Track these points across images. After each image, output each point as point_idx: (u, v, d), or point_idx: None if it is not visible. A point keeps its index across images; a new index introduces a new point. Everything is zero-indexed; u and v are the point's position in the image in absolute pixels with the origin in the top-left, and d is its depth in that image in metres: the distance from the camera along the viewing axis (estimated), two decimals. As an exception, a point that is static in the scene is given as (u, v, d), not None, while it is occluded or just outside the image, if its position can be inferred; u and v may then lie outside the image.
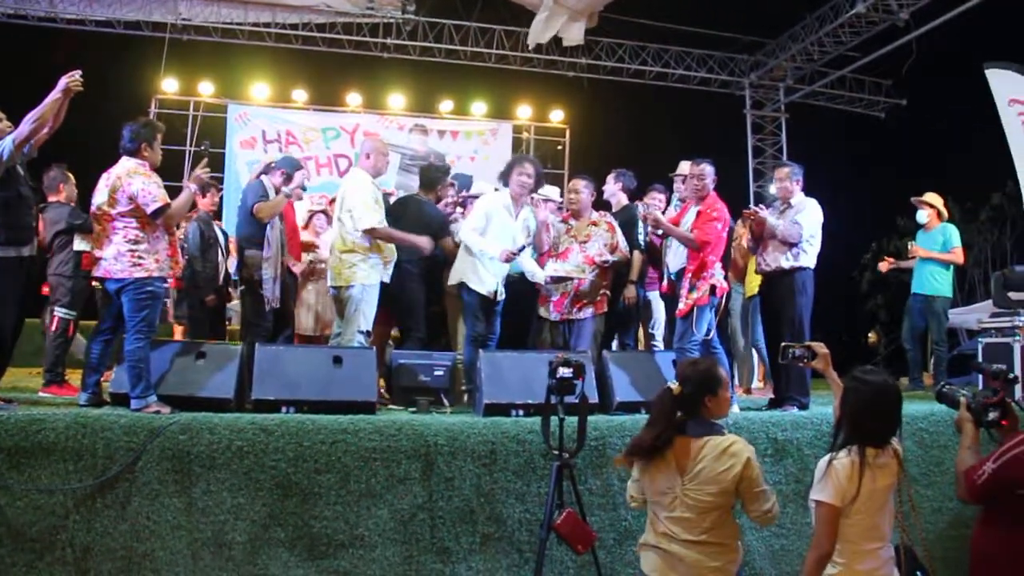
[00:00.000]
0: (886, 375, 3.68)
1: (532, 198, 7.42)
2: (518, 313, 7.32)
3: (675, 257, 6.52)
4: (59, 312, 6.87)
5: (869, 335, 22.03)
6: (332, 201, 8.56)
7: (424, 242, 6.71)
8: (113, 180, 5.55)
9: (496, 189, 7.50)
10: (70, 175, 7.18)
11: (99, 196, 5.62)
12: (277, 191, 7.11)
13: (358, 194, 6.58)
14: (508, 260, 6.59)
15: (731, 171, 14.05)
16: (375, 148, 6.87)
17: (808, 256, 6.55)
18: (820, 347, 4.22)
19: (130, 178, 5.51)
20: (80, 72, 5.49)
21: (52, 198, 7.07)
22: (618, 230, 7.12)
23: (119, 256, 5.52)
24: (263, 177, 7.22)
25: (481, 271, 6.68)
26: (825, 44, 13.13)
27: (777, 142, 14.98)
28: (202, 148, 6.40)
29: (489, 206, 6.77)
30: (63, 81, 5.42)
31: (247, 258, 6.95)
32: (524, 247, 6.68)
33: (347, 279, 6.52)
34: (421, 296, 7.07)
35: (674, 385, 3.73)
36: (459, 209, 7.92)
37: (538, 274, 6.93)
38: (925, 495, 6.09)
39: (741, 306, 8.44)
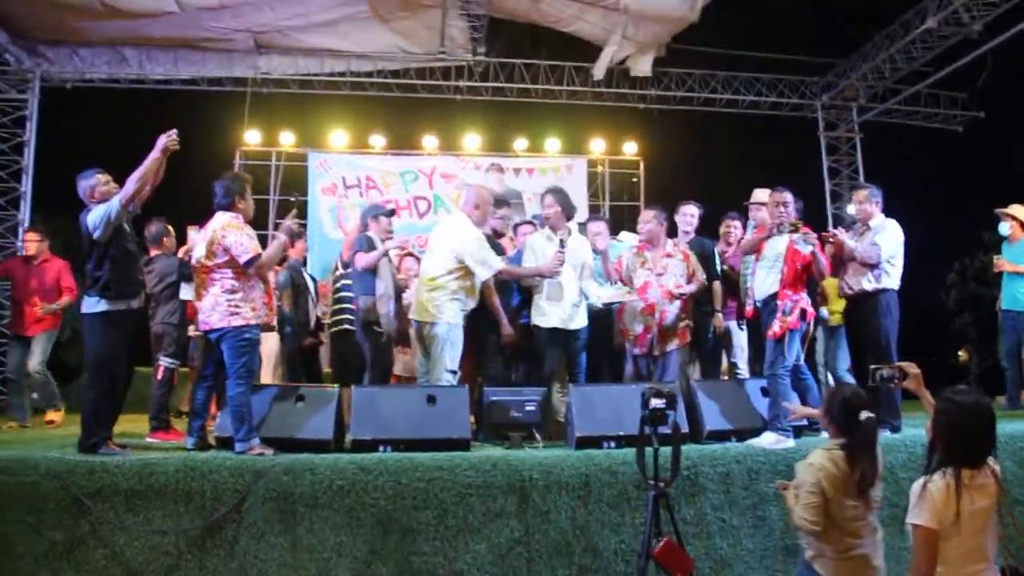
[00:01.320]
0: (978, 394, 3.64)
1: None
2: (596, 346, 7.44)
3: (762, 283, 6.46)
4: (164, 361, 7.16)
5: (959, 353, 21.43)
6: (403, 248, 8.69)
7: (546, 269, 6.82)
8: (210, 234, 5.83)
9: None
10: (170, 228, 7.51)
11: (198, 250, 5.93)
12: (382, 238, 7.31)
13: (472, 240, 6.74)
14: (549, 275, 6.80)
15: (807, 193, 13.93)
16: (484, 200, 6.98)
17: (891, 277, 6.50)
18: (911, 367, 4.18)
19: (224, 231, 5.80)
20: (176, 131, 5.82)
21: (155, 251, 7.39)
22: (694, 258, 7.16)
23: (216, 306, 5.79)
24: (369, 232, 7.37)
25: (544, 306, 6.91)
26: (897, 61, 12.90)
27: (852, 162, 14.75)
28: (292, 199, 6.67)
29: (531, 245, 7.08)
30: (161, 141, 5.75)
31: (363, 303, 7.12)
32: (561, 260, 6.79)
33: (432, 316, 6.66)
34: (491, 334, 7.17)
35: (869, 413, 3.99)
36: None
37: (592, 299, 7.13)
38: (1028, 516, 5.99)
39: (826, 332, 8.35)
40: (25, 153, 12.68)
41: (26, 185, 12.64)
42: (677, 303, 6.97)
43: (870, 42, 13.24)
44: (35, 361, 8.32)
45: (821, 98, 14.58)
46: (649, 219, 7.19)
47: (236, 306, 5.81)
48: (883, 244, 6.46)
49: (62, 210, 10.28)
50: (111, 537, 5.11)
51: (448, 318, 6.66)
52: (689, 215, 7.72)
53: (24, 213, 12.57)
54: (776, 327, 6.17)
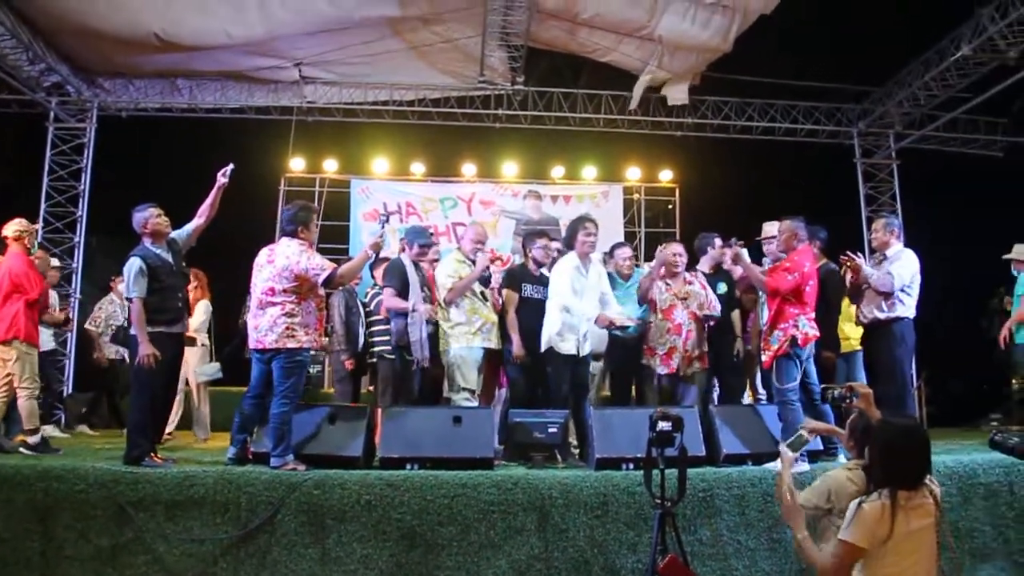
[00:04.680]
0: (913, 418, 3.77)
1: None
2: (624, 368, 7.70)
3: (762, 313, 6.71)
4: None
5: (1013, 381, 20.92)
6: None
7: (477, 272, 7.26)
8: (283, 261, 6.14)
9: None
10: None
11: (264, 272, 6.24)
12: (415, 264, 7.33)
13: (440, 272, 7.35)
14: (610, 326, 7.00)
15: (844, 221, 13.95)
16: (471, 236, 7.53)
17: (905, 306, 6.60)
18: (861, 387, 4.37)
19: (298, 257, 6.12)
20: (232, 167, 6.38)
21: None
22: (708, 288, 7.41)
23: (274, 327, 6.09)
24: (402, 255, 7.42)
25: (563, 332, 6.99)
26: (933, 88, 12.82)
27: (890, 189, 14.66)
28: (383, 220, 6.97)
29: (564, 272, 7.07)
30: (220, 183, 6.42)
31: (395, 326, 7.24)
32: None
33: (443, 343, 7.20)
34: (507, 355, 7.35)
35: None
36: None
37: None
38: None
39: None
40: (82, 179, 13.23)
41: (82, 209, 13.18)
42: (696, 327, 7.20)
43: (906, 69, 13.22)
44: None
45: (858, 125, 14.60)
46: (683, 251, 7.53)
47: (293, 329, 6.11)
48: (897, 273, 6.57)
49: (114, 233, 10.79)
50: (152, 544, 5.42)
51: (452, 342, 7.13)
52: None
53: (80, 236, 13.10)
54: (763, 357, 6.38)
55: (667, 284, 7.40)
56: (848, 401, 4.40)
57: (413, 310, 7.03)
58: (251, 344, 6.26)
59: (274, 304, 6.12)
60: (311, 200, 14.15)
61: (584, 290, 7.05)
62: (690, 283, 7.41)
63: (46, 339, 9.38)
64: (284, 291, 6.11)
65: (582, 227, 7.16)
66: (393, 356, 7.25)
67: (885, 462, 3.63)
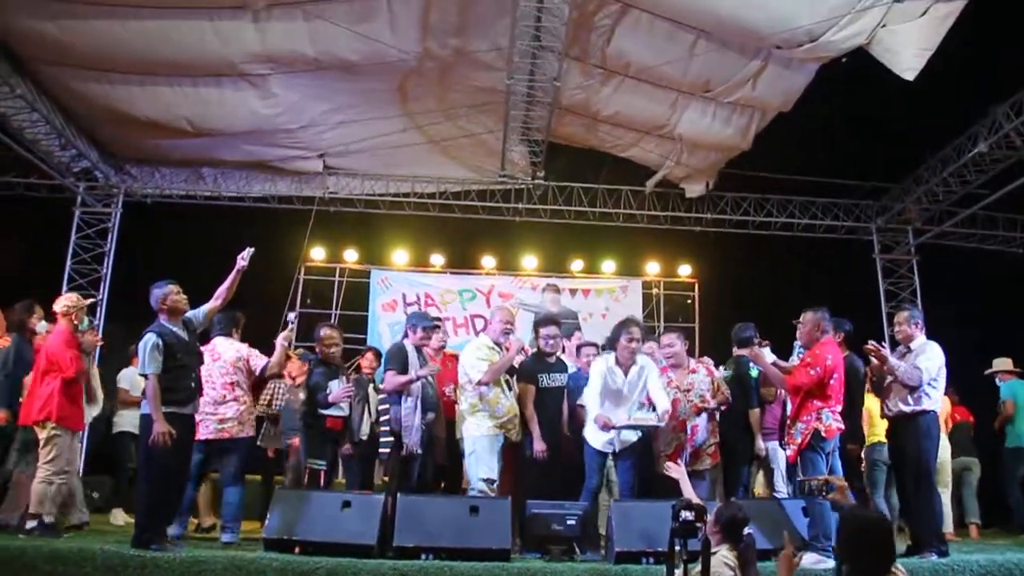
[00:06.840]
0: (875, 511, 3.86)
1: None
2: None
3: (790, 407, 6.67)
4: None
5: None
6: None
7: (510, 356, 7.20)
8: (227, 353, 7.18)
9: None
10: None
11: (214, 368, 7.14)
12: (418, 349, 7.29)
13: (469, 350, 7.29)
14: (605, 428, 6.79)
15: (865, 317, 13.85)
16: (499, 319, 7.44)
17: (931, 399, 6.51)
18: (838, 479, 4.54)
19: (247, 352, 7.19)
20: (252, 250, 6.60)
21: None
22: (716, 374, 7.39)
23: (240, 418, 7.16)
24: (405, 340, 7.35)
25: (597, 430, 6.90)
26: (951, 184, 12.87)
27: (910, 285, 14.64)
28: (290, 320, 7.37)
29: (595, 375, 7.04)
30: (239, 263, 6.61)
31: (393, 413, 7.11)
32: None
33: (461, 429, 7.18)
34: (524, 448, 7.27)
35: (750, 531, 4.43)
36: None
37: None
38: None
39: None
40: (104, 263, 13.40)
41: (103, 292, 13.32)
42: (706, 419, 7.10)
43: (923, 166, 13.30)
44: None
45: (876, 221, 14.65)
46: (674, 341, 7.51)
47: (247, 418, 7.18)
48: (924, 367, 6.50)
49: (133, 317, 10.83)
50: (159, 633, 5.28)
51: (473, 430, 6.97)
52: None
53: (100, 319, 13.14)
54: (788, 452, 6.36)
55: (668, 378, 7.34)
56: (825, 493, 4.52)
57: (409, 395, 7.01)
58: (211, 434, 6.96)
59: (237, 399, 7.09)
60: (330, 289, 14.39)
61: (620, 392, 6.98)
62: (694, 371, 7.36)
63: (126, 420, 9.43)
64: (240, 384, 7.12)
65: (626, 331, 7.05)
66: (389, 445, 7.15)
67: (851, 553, 3.71)
